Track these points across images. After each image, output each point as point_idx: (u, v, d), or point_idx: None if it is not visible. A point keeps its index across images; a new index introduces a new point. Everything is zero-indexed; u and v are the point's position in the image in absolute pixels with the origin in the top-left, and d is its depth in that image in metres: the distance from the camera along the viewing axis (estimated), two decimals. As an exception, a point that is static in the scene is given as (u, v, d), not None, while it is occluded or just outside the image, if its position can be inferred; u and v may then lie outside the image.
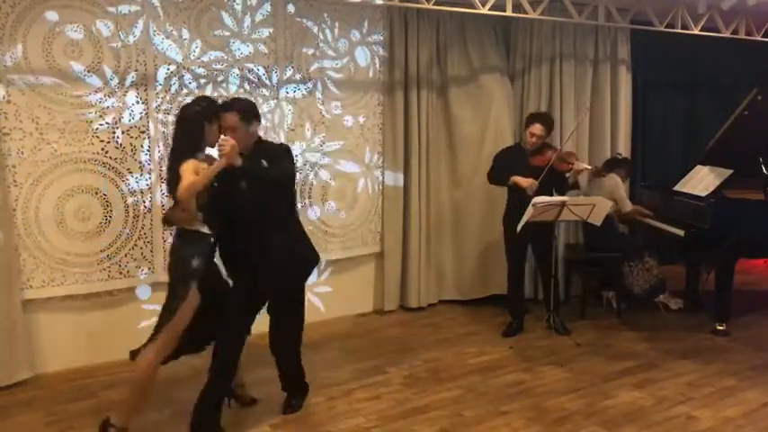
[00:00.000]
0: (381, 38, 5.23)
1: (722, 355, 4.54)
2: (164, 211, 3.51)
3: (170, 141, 3.45)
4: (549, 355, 4.56)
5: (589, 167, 4.98)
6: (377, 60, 5.27)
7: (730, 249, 4.86)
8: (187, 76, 4.49)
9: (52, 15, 4.04)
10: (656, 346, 4.72)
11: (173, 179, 3.19)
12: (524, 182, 4.65)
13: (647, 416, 3.66)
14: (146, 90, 4.36)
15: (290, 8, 4.86)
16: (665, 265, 5.64)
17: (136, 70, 4.32)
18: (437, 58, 5.47)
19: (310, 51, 4.96)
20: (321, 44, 5.01)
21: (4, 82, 3.94)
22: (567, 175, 4.80)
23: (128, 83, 4.30)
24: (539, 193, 4.55)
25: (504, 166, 4.82)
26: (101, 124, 4.24)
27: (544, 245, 4.90)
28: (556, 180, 4.78)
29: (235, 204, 3.33)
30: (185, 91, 4.49)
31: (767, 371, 4.27)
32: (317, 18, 4.97)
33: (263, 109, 4.81)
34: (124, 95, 4.30)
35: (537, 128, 4.73)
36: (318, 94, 5.03)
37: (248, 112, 3.34)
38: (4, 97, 3.95)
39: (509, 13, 4.89)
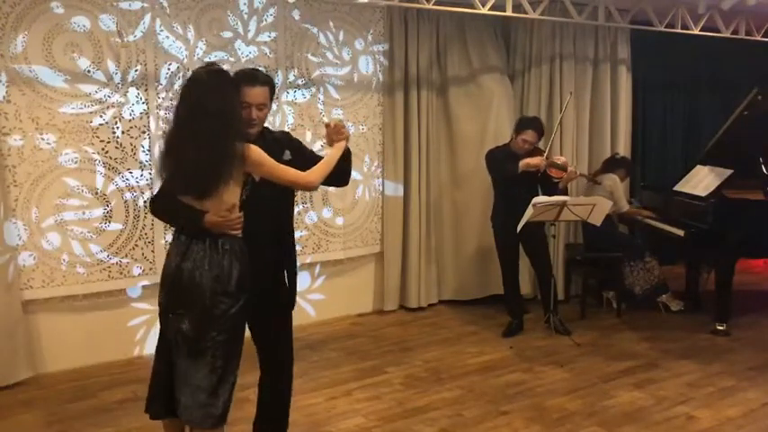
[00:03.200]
0: (383, 48, 5.23)
1: (722, 355, 4.53)
2: (207, 218, 2.48)
3: (182, 121, 2.51)
4: (549, 355, 4.56)
5: (583, 175, 4.99)
6: (378, 66, 5.27)
7: (730, 249, 4.86)
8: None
9: (54, 13, 4.03)
10: (656, 346, 4.72)
11: (208, 172, 2.42)
12: (534, 161, 4.58)
13: (647, 416, 3.66)
14: (146, 89, 4.36)
15: (295, 13, 4.85)
16: (664, 266, 5.64)
17: (136, 70, 4.31)
18: (437, 58, 5.47)
19: (313, 56, 4.96)
20: (324, 50, 5.01)
21: (4, 81, 3.94)
22: (557, 180, 4.78)
23: (129, 81, 4.30)
24: (529, 195, 4.52)
25: (503, 159, 4.75)
26: (101, 123, 4.23)
27: (535, 245, 4.90)
28: (546, 184, 4.77)
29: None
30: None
31: (767, 371, 4.28)
32: (322, 24, 4.97)
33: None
34: (125, 94, 4.29)
35: (529, 134, 4.68)
36: (320, 96, 5.03)
37: (274, 87, 2.82)
38: (4, 97, 3.94)
39: (509, 13, 4.88)
